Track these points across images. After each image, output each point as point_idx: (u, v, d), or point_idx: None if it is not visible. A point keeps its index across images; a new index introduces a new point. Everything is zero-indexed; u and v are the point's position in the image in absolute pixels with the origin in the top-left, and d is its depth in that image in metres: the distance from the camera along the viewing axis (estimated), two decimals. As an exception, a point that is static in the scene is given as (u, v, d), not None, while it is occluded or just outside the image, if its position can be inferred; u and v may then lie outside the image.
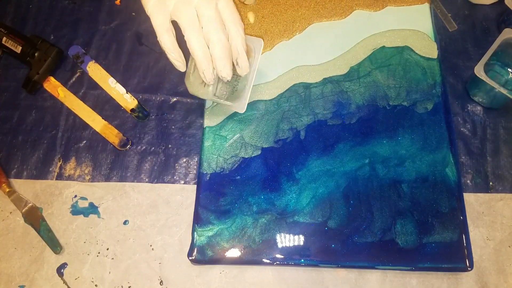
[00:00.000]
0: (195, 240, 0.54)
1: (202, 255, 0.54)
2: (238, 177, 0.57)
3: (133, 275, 0.55)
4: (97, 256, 0.56)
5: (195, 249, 0.54)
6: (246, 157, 0.58)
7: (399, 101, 0.60)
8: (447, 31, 0.67)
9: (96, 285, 0.55)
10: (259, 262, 0.54)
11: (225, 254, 0.54)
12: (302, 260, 0.53)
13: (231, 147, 0.59)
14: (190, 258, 0.54)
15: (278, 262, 0.53)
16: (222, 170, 0.58)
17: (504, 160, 0.60)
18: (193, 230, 0.55)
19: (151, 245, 0.57)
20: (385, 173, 0.57)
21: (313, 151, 0.58)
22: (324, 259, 0.53)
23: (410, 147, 0.58)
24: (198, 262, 0.54)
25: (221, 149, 0.59)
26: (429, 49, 0.63)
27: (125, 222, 0.58)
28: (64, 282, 0.55)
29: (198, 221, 0.55)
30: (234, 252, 0.54)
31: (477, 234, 0.56)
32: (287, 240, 0.54)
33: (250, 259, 0.54)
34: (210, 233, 0.55)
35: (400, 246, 0.53)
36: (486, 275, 0.54)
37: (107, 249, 0.57)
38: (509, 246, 0.56)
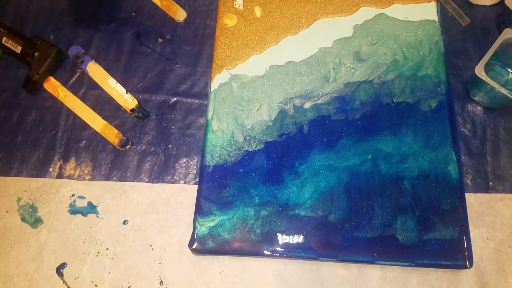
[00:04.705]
0: (196, 230, 0.54)
1: (203, 246, 0.54)
2: (241, 169, 0.57)
3: (133, 275, 0.55)
4: (97, 256, 0.56)
5: (196, 239, 0.54)
6: (250, 150, 0.58)
7: (403, 98, 0.60)
8: (451, 30, 0.67)
9: (96, 285, 0.55)
10: (260, 254, 0.54)
11: (226, 245, 0.54)
12: (302, 253, 0.53)
13: (233, 141, 0.59)
14: (191, 248, 0.54)
15: (278, 254, 0.53)
16: (225, 162, 0.58)
17: (504, 160, 0.60)
18: (195, 220, 0.55)
19: (151, 245, 0.57)
20: (387, 169, 0.57)
21: (316, 145, 0.58)
22: (324, 252, 0.53)
23: (413, 144, 0.58)
24: (199, 252, 0.54)
25: (225, 141, 0.59)
26: (434, 37, 0.62)
27: (124, 222, 0.58)
28: (64, 282, 0.55)
29: (199, 211, 0.55)
30: (235, 243, 0.54)
31: (477, 234, 0.56)
32: (287, 232, 0.54)
33: (250, 251, 0.54)
34: (212, 224, 0.55)
35: (400, 242, 0.53)
36: (486, 275, 0.54)
37: (107, 249, 0.57)
38: (509, 246, 0.56)
